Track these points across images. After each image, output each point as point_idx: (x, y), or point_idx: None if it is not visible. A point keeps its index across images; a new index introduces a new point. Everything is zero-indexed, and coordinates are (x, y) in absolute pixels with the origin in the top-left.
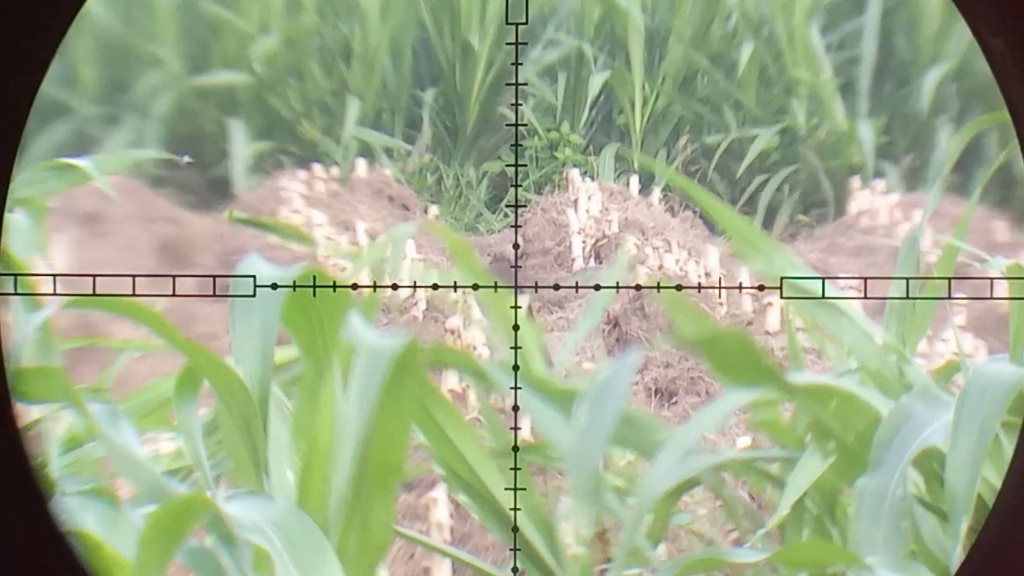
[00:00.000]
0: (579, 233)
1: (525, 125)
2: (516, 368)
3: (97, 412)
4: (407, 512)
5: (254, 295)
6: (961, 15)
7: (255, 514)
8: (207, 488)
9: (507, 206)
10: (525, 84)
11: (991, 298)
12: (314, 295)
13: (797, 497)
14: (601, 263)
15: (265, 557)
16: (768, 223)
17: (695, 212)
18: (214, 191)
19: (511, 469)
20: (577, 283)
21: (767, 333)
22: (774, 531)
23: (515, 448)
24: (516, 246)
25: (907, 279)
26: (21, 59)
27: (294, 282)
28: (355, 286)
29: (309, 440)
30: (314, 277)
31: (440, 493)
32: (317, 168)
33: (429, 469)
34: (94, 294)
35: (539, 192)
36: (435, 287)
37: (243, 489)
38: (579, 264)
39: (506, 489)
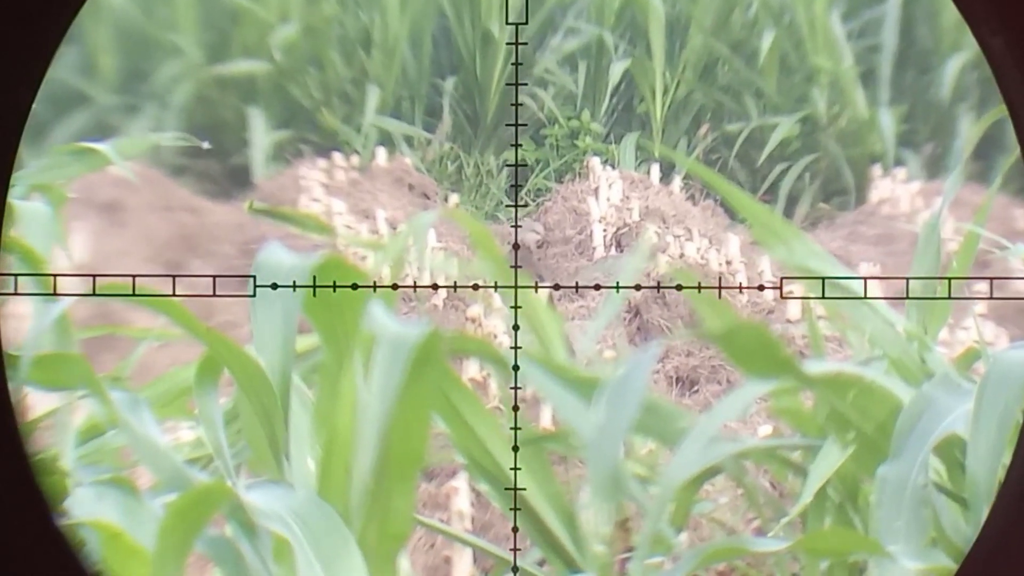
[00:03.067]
0: (600, 221)
1: (524, 125)
2: (516, 368)
3: (117, 400)
4: (428, 501)
5: (254, 295)
6: (961, 15)
7: (275, 503)
8: (227, 477)
9: (514, 201)
10: (525, 84)
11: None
12: (314, 295)
13: (819, 485)
14: (622, 251)
15: (285, 546)
16: (789, 211)
17: (716, 200)
18: (234, 180)
19: (511, 469)
20: (577, 283)
21: (788, 321)
22: (796, 520)
23: (515, 448)
24: (516, 246)
25: (919, 276)
26: (25, 45)
27: (294, 282)
28: (355, 286)
29: (330, 429)
30: (314, 278)
31: (461, 482)
32: (337, 157)
33: (450, 458)
34: (94, 292)
35: (560, 181)
36: (435, 287)
37: (263, 478)
38: (600, 252)
39: (506, 489)
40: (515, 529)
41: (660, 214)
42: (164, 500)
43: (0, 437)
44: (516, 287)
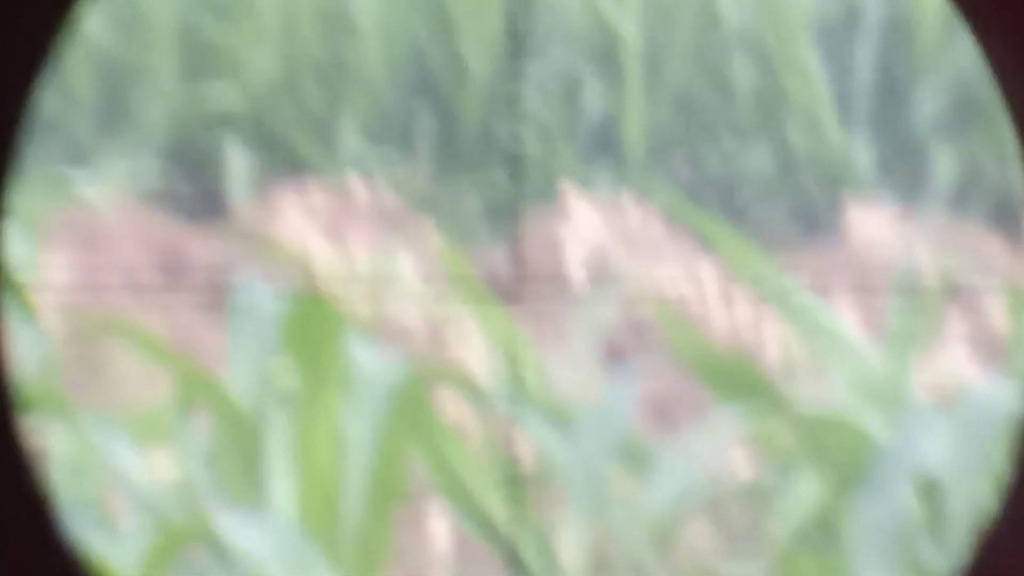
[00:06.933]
0: (574, 252)
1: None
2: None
3: (93, 428)
4: (405, 529)
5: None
6: (960, 13)
7: (252, 533)
8: (205, 506)
9: (501, 224)
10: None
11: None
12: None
13: (795, 516)
14: (597, 282)
15: (263, 575)
16: (762, 242)
17: (690, 231)
18: (209, 208)
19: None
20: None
21: (762, 352)
22: (772, 550)
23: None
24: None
25: (899, 298)
26: (18, 60)
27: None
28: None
29: (308, 461)
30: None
31: (439, 515)
32: (313, 185)
33: (428, 490)
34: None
35: (534, 211)
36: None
37: (242, 507)
38: (575, 283)
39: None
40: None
41: (634, 244)
42: (140, 530)
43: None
44: (514, 287)
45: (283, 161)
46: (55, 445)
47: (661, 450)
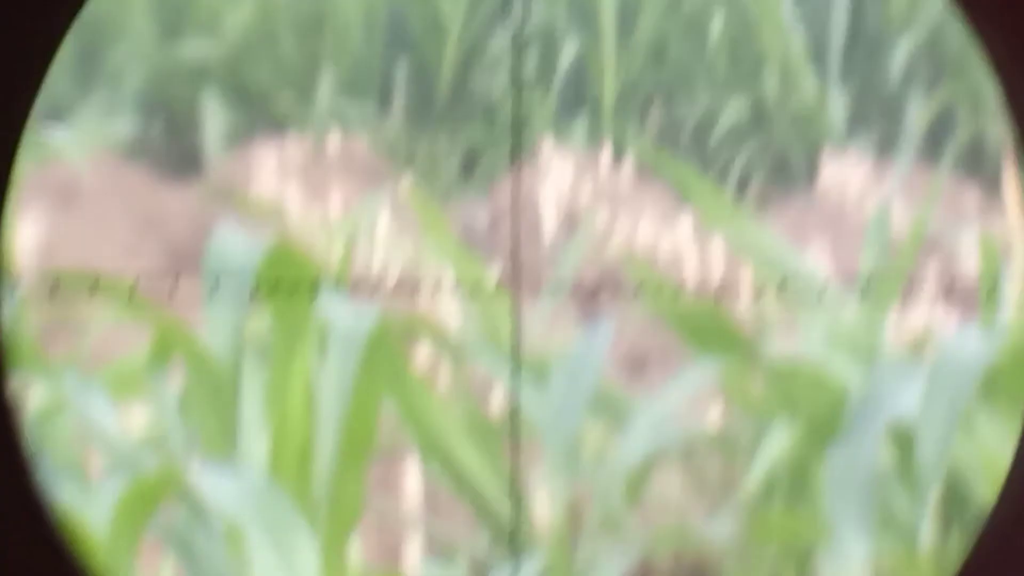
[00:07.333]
0: (550, 205)
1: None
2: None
3: (70, 384)
4: (379, 483)
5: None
6: (959, 8)
7: (227, 486)
8: (179, 460)
9: (477, 178)
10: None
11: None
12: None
13: (767, 468)
14: (572, 235)
15: (237, 529)
16: (738, 194)
17: (666, 184)
18: (186, 163)
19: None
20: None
21: (737, 304)
22: (745, 503)
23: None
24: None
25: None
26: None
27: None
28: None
29: (281, 414)
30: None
31: (413, 465)
32: (290, 139)
33: (402, 441)
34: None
35: (509, 164)
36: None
37: (215, 461)
38: (550, 237)
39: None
40: (510, 529)
41: (610, 197)
42: (116, 485)
43: None
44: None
45: (260, 116)
46: (30, 400)
47: (635, 402)
